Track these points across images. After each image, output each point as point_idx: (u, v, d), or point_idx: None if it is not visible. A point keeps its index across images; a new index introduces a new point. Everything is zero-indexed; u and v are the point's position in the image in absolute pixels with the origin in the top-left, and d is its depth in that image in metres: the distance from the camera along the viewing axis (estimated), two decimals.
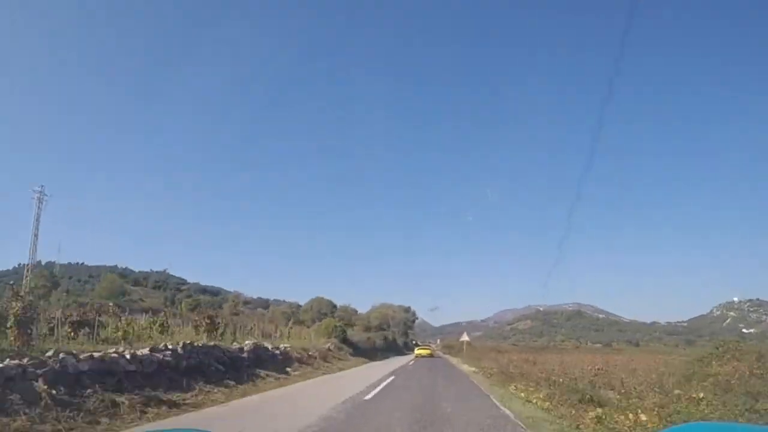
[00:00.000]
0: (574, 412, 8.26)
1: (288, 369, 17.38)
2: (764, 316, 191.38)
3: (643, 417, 6.30)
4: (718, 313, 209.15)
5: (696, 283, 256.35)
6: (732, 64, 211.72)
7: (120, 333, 11.63)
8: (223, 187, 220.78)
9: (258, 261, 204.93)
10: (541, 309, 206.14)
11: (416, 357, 39.67)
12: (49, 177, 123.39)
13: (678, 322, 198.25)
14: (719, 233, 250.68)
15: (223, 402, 10.29)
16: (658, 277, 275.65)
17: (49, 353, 7.91)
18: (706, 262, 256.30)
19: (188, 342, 12.24)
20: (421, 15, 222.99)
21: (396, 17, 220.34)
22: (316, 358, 22.83)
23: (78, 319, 11.75)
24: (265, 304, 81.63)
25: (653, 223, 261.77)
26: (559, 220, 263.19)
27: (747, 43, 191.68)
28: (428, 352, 42.78)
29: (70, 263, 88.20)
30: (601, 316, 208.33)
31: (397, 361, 33.40)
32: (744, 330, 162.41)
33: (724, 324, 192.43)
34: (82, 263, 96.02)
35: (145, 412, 8.15)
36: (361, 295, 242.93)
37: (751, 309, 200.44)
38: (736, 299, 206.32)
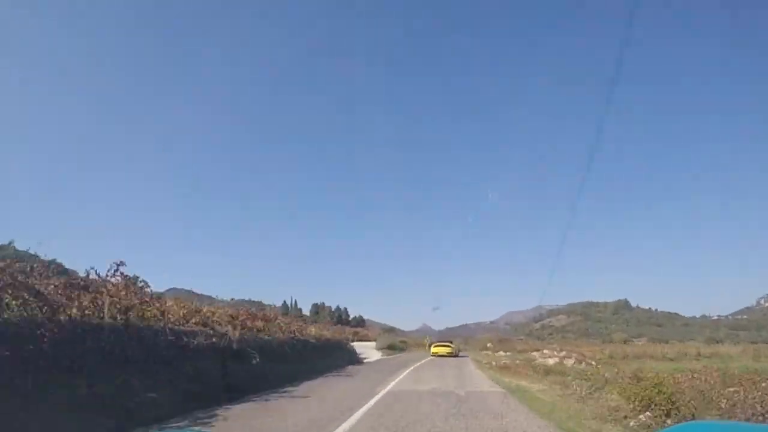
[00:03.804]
0: None
1: None
2: None
3: None
4: (767, 304, 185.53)
5: (733, 275, 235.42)
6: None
7: None
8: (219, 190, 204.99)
9: (250, 264, 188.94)
10: (547, 307, 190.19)
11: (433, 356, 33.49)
12: None
13: (733, 315, 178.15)
14: (751, 221, 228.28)
15: None
16: (689, 269, 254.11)
17: None
18: (741, 252, 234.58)
19: None
20: (421, 17, 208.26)
21: (394, 22, 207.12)
22: None
23: None
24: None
25: (677, 212, 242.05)
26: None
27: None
28: (448, 350, 34.44)
29: None
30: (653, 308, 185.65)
31: None
32: None
33: None
34: None
35: None
36: (359, 297, 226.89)
37: None
38: None
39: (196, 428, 6.27)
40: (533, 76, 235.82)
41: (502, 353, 31.90)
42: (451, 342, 36.37)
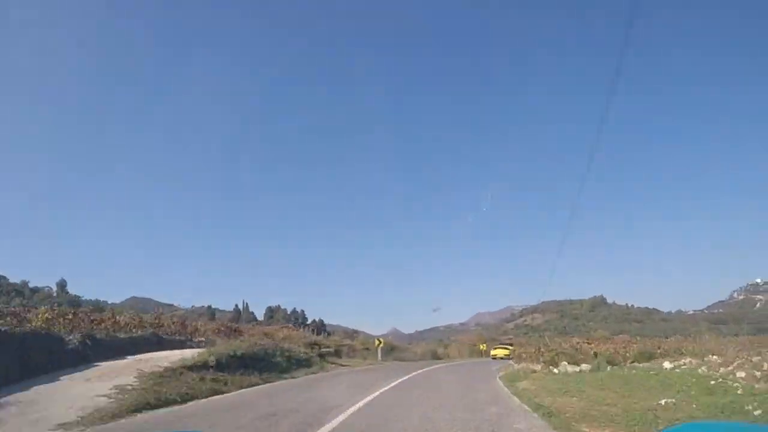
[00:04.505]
0: None
1: None
2: None
3: None
4: (741, 297, 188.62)
5: (705, 269, 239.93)
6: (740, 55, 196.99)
7: None
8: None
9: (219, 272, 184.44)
10: (517, 308, 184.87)
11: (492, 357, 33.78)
12: None
13: (708, 309, 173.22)
14: (721, 218, 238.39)
15: None
16: (661, 265, 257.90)
17: None
18: (709, 247, 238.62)
19: None
20: (421, 18, 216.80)
21: (395, 22, 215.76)
22: None
23: None
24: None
25: (648, 210, 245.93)
26: (539, 219, 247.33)
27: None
28: (506, 353, 33.12)
29: None
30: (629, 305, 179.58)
31: None
32: None
33: (756, 307, 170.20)
34: None
35: None
36: (331, 304, 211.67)
37: None
38: (759, 280, 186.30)
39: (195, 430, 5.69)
40: (533, 75, 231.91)
41: (569, 367, 11.75)
42: (511, 344, 34.94)
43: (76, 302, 64.00)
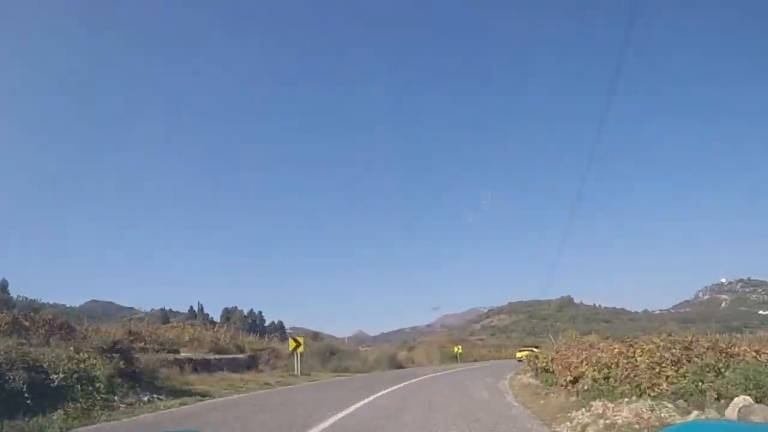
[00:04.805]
0: None
1: None
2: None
3: None
4: (707, 296, 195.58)
5: (669, 269, 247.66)
6: (726, 57, 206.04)
7: None
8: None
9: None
10: (483, 309, 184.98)
11: (518, 360, 35.34)
12: None
13: (675, 309, 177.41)
14: (684, 220, 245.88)
15: None
16: (624, 266, 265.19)
17: None
18: (674, 246, 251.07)
19: None
20: (421, 18, 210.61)
21: (395, 22, 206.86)
22: None
23: None
24: None
25: (616, 211, 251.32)
26: (525, 220, 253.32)
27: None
28: (526, 354, 32.99)
29: None
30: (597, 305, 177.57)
31: None
32: (761, 312, 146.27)
33: (721, 307, 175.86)
34: None
35: None
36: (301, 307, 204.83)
37: (747, 290, 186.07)
38: (724, 280, 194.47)
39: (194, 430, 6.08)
40: (533, 75, 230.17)
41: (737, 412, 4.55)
42: (537, 347, 33.26)
43: (9, 304, 57.89)
